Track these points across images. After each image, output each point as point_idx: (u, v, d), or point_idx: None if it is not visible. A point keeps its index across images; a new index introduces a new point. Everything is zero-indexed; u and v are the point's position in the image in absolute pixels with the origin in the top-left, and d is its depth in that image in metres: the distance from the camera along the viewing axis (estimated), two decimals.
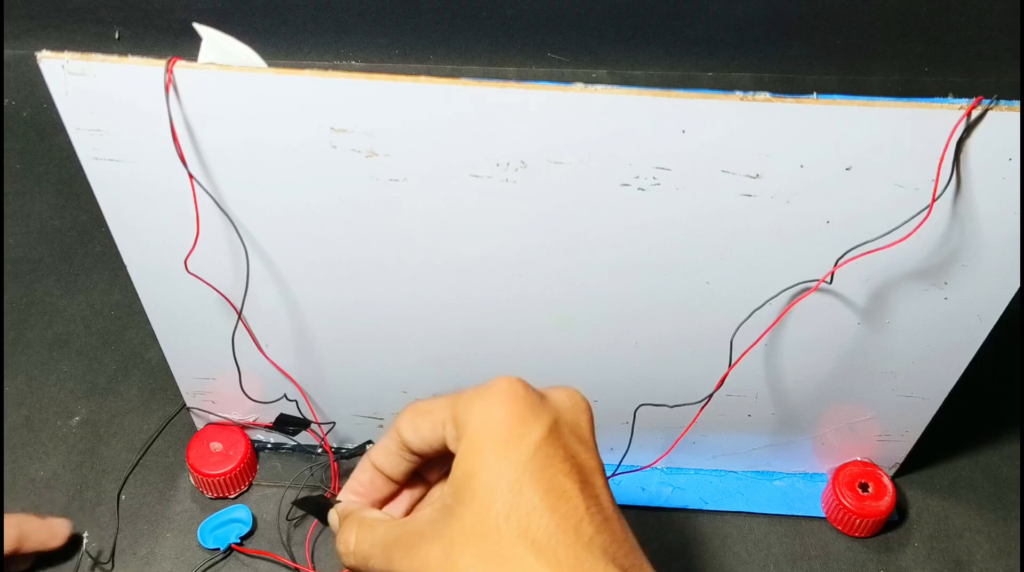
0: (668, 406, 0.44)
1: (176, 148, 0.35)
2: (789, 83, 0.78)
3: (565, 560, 0.30)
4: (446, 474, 0.35)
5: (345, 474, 0.51)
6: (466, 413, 0.33)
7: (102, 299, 0.61)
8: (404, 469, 0.37)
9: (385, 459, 0.37)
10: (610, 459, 0.49)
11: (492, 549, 0.30)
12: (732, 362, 0.41)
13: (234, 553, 0.48)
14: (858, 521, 0.48)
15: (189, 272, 0.40)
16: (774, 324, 0.40)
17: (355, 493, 0.38)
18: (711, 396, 0.42)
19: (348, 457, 0.51)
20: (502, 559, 0.30)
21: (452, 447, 0.34)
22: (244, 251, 0.40)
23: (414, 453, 0.36)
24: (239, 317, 0.43)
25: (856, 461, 0.50)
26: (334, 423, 0.50)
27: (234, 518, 0.49)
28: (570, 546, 0.30)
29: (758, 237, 0.37)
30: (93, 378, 0.56)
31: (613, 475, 0.49)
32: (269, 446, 0.53)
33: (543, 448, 0.32)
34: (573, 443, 0.33)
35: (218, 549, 0.48)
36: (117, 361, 0.57)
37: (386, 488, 0.38)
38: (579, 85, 0.33)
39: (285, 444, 0.53)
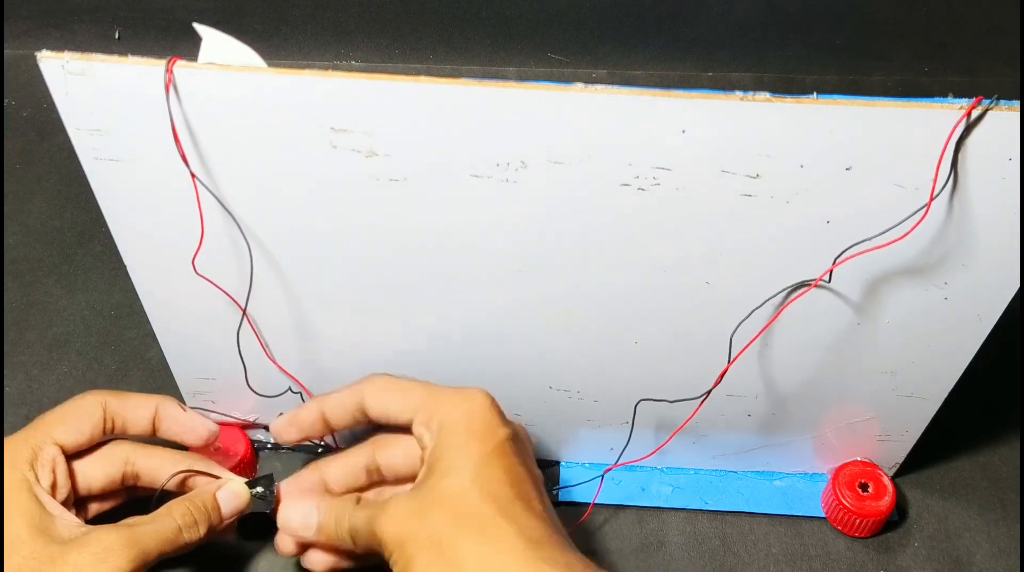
0: (668, 401, 0.44)
1: (177, 148, 0.35)
2: (789, 83, 0.77)
3: (522, 521, 0.36)
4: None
5: None
6: (447, 409, 0.40)
7: (102, 299, 0.61)
8: (348, 425, 0.43)
9: (337, 412, 0.43)
10: (609, 459, 0.49)
11: (460, 507, 0.36)
12: (731, 358, 0.41)
13: None
14: (858, 521, 0.48)
15: (197, 272, 0.40)
16: (773, 320, 0.40)
17: (296, 426, 0.43)
18: (710, 391, 0.42)
19: None
20: (468, 515, 0.36)
21: (417, 432, 0.40)
22: (248, 250, 0.40)
23: (367, 417, 0.42)
24: (244, 314, 0.43)
25: (856, 461, 0.50)
26: None
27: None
28: (524, 511, 0.37)
29: (758, 237, 0.37)
30: (93, 378, 0.56)
31: (612, 468, 0.49)
32: (269, 446, 0.53)
33: (507, 444, 0.39)
34: (524, 453, 0.40)
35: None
36: (117, 361, 0.57)
37: (323, 432, 0.44)
38: (579, 85, 0.33)
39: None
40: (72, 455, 0.42)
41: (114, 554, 0.37)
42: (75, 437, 0.41)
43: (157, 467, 0.43)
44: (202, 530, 0.41)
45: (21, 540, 0.37)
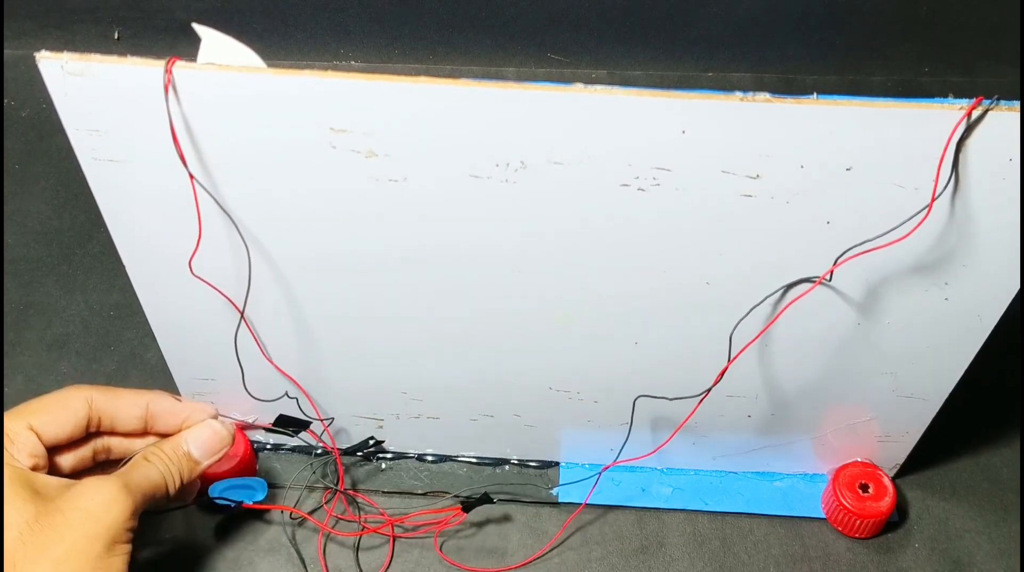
0: (667, 398, 0.44)
1: (176, 148, 0.35)
2: (789, 83, 0.78)
3: None
4: None
5: (348, 468, 0.51)
6: None
7: (102, 299, 0.61)
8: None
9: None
10: (609, 459, 0.49)
11: None
12: (731, 357, 0.41)
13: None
14: (858, 522, 0.48)
15: (194, 274, 0.40)
16: (774, 320, 0.40)
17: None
18: (710, 389, 0.42)
19: (350, 453, 0.51)
20: None
21: None
22: (246, 251, 0.40)
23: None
24: (242, 317, 0.43)
25: (856, 462, 0.50)
26: (333, 418, 0.50)
27: (247, 484, 0.49)
28: None
29: (758, 237, 0.37)
30: (93, 378, 0.56)
31: (610, 466, 0.49)
32: (268, 447, 0.53)
33: None
34: None
35: (228, 506, 0.48)
36: (116, 361, 0.57)
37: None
38: (579, 85, 0.33)
39: (284, 444, 0.53)
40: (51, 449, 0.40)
41: (118, 498, 0.37)
42: (54, 430, 0.39)
43: (118, 407, 0.42)
44: (177, 479, 0.40)
45: (14, 501, 0.35)
